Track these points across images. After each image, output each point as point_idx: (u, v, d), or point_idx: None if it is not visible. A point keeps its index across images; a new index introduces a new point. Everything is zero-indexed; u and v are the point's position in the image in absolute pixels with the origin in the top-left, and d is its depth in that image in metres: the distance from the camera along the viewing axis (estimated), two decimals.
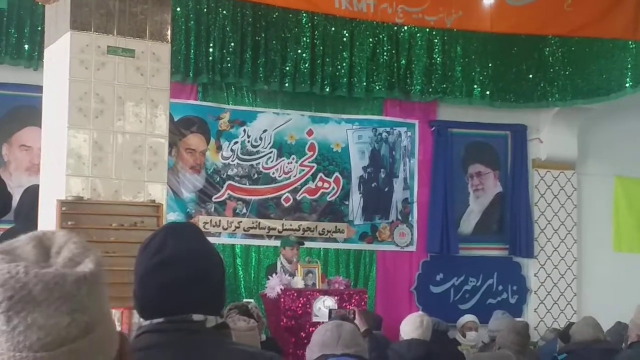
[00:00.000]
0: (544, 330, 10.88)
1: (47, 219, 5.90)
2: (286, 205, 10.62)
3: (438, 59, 10.87)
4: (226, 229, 10.32)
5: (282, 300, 8.21)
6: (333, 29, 10.44)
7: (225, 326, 2.48)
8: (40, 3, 6.71)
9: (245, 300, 8.58)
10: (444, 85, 10.93)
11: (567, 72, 10.85)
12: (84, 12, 5.94)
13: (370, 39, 10.61)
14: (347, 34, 10.48)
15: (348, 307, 8.18)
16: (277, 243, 9.85)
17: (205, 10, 9.90)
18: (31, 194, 6.19)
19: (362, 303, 8.51)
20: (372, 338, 6.70)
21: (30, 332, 1.32)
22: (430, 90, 10.89)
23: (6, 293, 1.32)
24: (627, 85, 10.20)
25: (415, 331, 6.52)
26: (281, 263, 9.27)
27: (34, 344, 1.32)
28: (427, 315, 6.99)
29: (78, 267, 1.38)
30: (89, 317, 1.37)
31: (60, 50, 6.10)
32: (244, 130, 10.48)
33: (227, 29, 9.96)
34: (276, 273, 8.63)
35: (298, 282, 8.52)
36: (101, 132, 5.94)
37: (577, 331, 7.00)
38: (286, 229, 10.44)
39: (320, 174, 10.78)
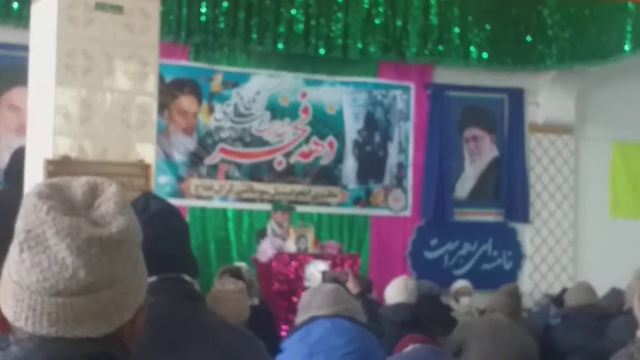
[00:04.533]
0: (539, 296, 10.82)
1: (34, 178, 5.80)
2: (279, 168, 10.48)
3: (434, 20, 10.68)
4: (218, 193, 10.20)
5: (274, 264, 8.12)
6: None
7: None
8: None
9: (236, 263, 8.50)
10: (441, 48, 10.75)
11: (565, 35, 10.67)
12: None
13: (366, 0, 10.43)
14: None
15: (341, 270, 8.09)
16: (270, 207, 9.71)
17: None
18: (21, 155, 6.10)
19: (356, 267, 8.43)
20: (365, 300, 6.64)
21: (33, 271, 1.35)
22: (427, 52, 10.71)
23: (26, 226, 1.36)
24: (626, 48, 10.05)
25: (400, 295, 6.52)
26: (272, 227, 9.15)
27: (32, 284, 1.35)
28: (410, 279, 6.94)
29: (102, 227, 1.36)
30: (93, 278, 1.35)
31: (47, 7, 5.97)
32: (237, 93, 10.32)
33: None
34: (267, 236, 8.54)
35: (290, 246, 8.43)
36: (89, 90, 5.83)
37: (571, 296, 6.96)
38: (279, 193, 10.33)
39: (314, 137, 10.63)
